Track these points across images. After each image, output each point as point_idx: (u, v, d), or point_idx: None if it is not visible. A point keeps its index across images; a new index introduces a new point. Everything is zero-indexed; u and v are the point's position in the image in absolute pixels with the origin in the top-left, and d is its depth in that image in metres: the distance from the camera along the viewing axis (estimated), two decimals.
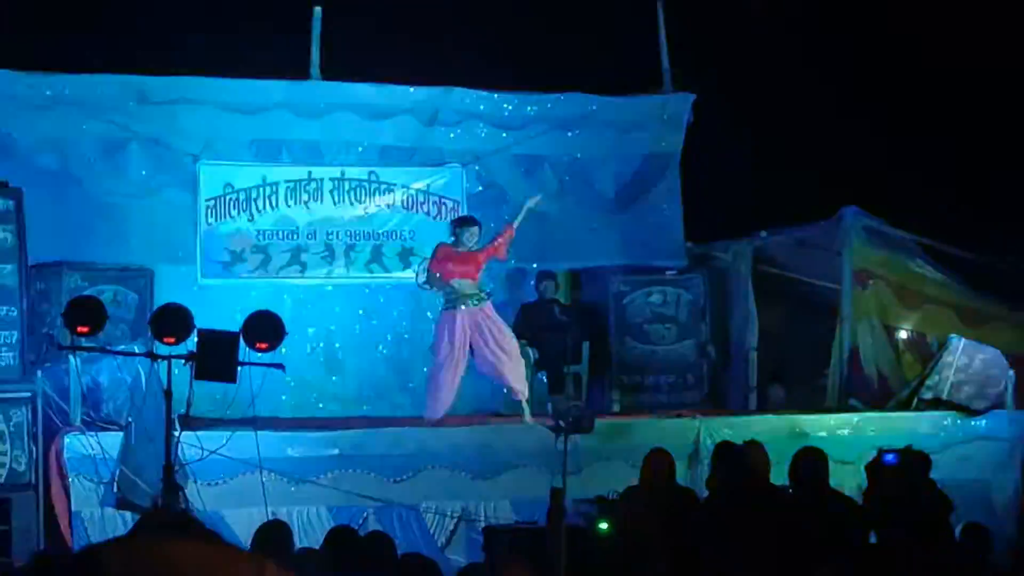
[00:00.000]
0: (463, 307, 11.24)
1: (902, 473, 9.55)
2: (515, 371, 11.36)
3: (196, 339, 10.25)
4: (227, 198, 12.36)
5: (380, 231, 12.76)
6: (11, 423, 10.40)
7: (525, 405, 11.39)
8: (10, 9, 12.85)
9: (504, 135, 13.08)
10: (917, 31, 14.03)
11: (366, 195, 12.66)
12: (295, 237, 12.55)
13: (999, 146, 14.17)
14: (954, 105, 14.08)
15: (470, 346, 11.32)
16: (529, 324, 12.45)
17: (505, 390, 11.80)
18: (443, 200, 12.78)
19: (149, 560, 1.77)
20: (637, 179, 13.47)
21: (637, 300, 13.20)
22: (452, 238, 11.44)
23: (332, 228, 12.60)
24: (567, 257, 13.47)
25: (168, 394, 9.75)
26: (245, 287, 12.47)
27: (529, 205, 11.66)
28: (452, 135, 12.98)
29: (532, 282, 12.95)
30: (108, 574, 1.74)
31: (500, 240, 11.47)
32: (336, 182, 12.61)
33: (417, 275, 12.07)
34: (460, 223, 11.50)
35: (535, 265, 13.05)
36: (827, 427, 11.60)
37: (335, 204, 12.57)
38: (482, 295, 11.23)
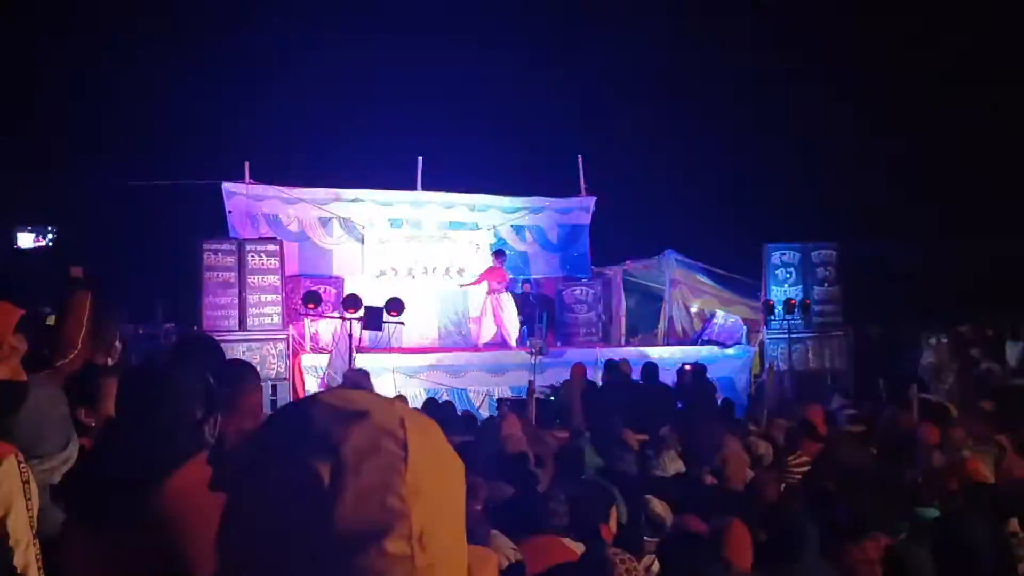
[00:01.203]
0: (491, 296, 14.61)
1: (694, 374, 13.12)
2: (511, 328, 14.59)
3: (363, 311, 13.81)
4: (378, 246, 16.48)
5: (450, 265, 16.99)
6: (278, 348, 14.47)
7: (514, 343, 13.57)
8: (278, 149, 16.54)
9: (508, 216, 17.44)
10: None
11: (444, 245, 17.02)
12: (409, 264, 16.71)
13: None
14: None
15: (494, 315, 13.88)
16: (518, 306, 15.67)
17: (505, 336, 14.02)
18: (479, 247, 17.39)
19: (337, 396, 1.79)
20: (568, 236, 17.73)
21: (568, 293, 17.24)
22: (495, 261, 14.41)
23: (428, 263, 16.81)
24: (536, 271, 17.56)
25: (350, 336, 13.45)
26: (385, 287, 15.54)
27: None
28: (486, 217, 17.29)
29: (519, 283, 16.70)
30: (317, 401, 1.72)
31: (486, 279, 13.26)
32: (430, 239, 17.17)
33: (464, 282, 14.54)
34: (497, 253, 14.75)
35: (520, 277, 16.76)
36: (659, 353, 15.69)
37: (429, 249, 17.04)
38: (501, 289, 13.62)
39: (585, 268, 18.11)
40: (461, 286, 16.41)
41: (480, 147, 19.47)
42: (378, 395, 1.67)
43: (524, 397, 13.14)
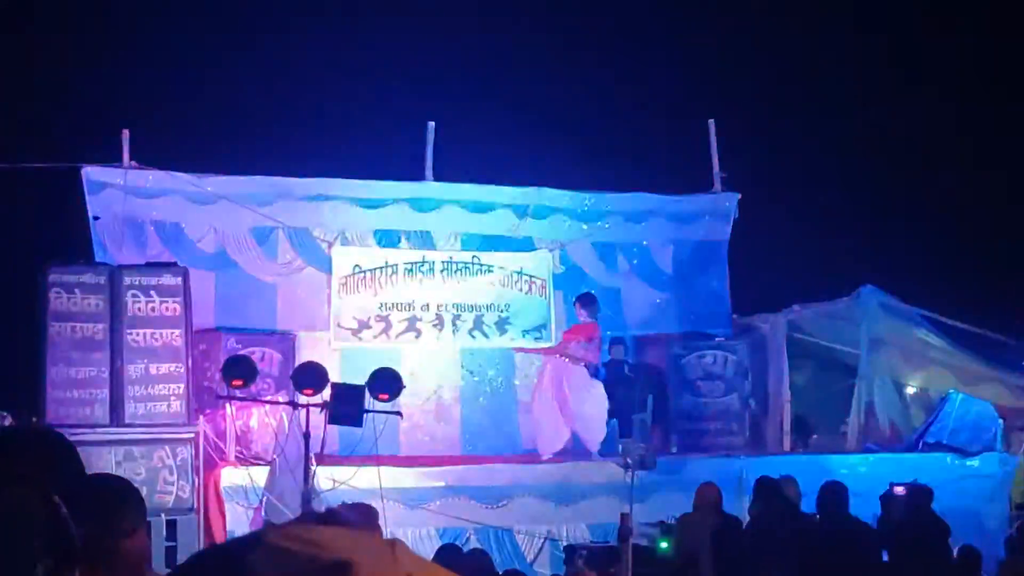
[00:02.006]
0: (561, 367, 13.16)
1: (909, 503, 11.21)
2: (593, 424, 13.03)
3: (330, 391, 11.58)
4: (356, 277, 14.17)
5: (481, 304, 14.42)
6: (177, 459, 12.21)
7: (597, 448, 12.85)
8: (181, 121, 15.12)
9: (584, 226, 14.89)
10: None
11: (470, 275, 14.47)
12: (411, 309, 14.25)
13: (994, 227, 16.15)
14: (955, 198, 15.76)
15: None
16: (604, 381, 13.86)
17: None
18: (533, 279, 14.66)
19: (296, 537, 2.06)
20: (692, 262, 15.17)
21: (692, 361, 14.79)
22: (580, 313, 13.65)
23: (442, 301, 14.27)
24: (634, 326, 15.11)
25: (307, 436, 11.23)
26: (370, 349, 13.83)
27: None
28: (541, 226, 14.79)
29: (607, 346, 14.26)
30: (263, 543, 1.94)
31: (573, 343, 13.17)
32: (446, 264, 14.42)
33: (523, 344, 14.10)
34: (582, 300, 13.82)
35: (608, 333, 14.43)
36: (848, 465, 13.11)
37: (444, 282, 14.36)
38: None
39: (722, 318, 15.58)
40: (517, 350, 14.49)
41: (532, 107, 17.15)
42: (365, 535, 1.65)
43: (612, 543, 10.60)
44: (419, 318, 14.43)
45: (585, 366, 13.34)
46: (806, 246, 16.56)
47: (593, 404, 13.45)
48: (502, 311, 14.74)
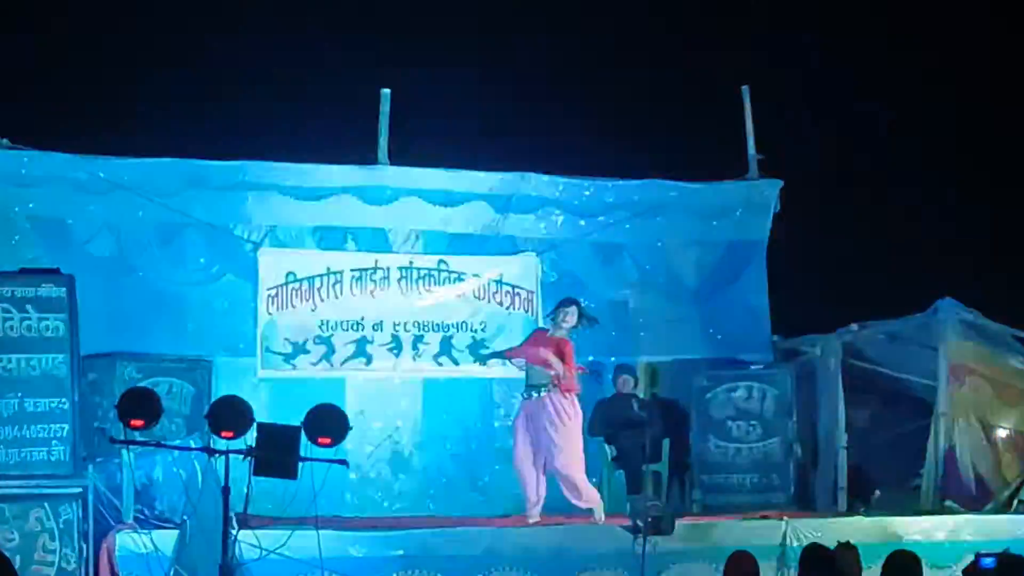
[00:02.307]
0: (533, 396, 12.65)
1: None
2: (569, 473, 12.42)
3: (255, 433, 11.09)
4: (289, 287, 13.97)
5: (450, 322, 14.25)
6: (60, 520, 11.74)
7: (597, 508, 12.53)
8: (64, 91, 14.73)
9: (581, 222, 14.74)
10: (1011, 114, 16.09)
11: (435, 284, 14.31)
12: (360, 328, 14.08)
13: None
14: None
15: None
16: (606, 421, 13.80)
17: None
18: (516, 290, 14.47)
19: None
20: (721, 268, 15.08)
21: (720, 395, 14.65)
22: (558, 323, 12.73)
23: (399, 319, 14.13)
24: (646, 350, 15.06)
25: (226, 491, 10.76)
26: (307, 380, 13.79)
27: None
28: (526, 222, 14.63)
29: (609, 376, 14.16)
30: None
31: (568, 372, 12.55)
32: (404, 271, 14.23)
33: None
34: (558, 304, 12.91)
35: (612, 359, 14.42)
36: (922, 530, 12.76)
37: (403, 294, 14.19)
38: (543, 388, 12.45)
39: (759, 340, 15.27)
40: (484, 361, 14.20)
41: (515, 72, 15.99)
42: None
43: None
44: (370, 340, 14.23)
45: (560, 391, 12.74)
46: (867, 248, 16.26)
47: (568, 442, 12.87)
48: (477, 331, 14.56)
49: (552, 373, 12.61)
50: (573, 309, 12.87)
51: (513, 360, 13.37)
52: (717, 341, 15.28)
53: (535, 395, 12.74)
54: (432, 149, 14.63)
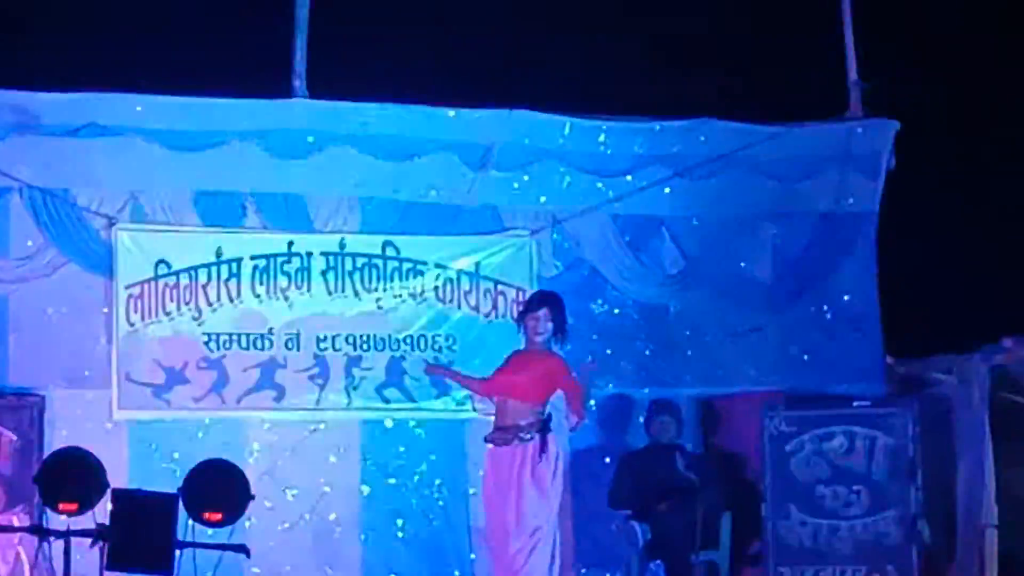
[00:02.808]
0: (513, 442, 11.78)
1: None
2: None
3: (110, 505, 10.78)
4: (160, 283, 12.78)
5: (400, 337, 13.18)
6: None
7: None
8: None
9: (599, 184, 13.61)
10: None
11: (379, 280, 13.14)
12: (267, 346, 12.93)
13: None
14: None
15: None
16: (636, 486, 12.85)
17: None
18: (500, 288, 13.34)
19: None
20: (809, 255, 14.01)
21: (807, 447, 13.25)
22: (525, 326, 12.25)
23: (325, 331, 13.03)
24: (695, 378, 13.87)
25: None
26: (187, 423, 12.78)
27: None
28: (516, 184, 13.51)
29: (641, 418, 13.19)
30: None
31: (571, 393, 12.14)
32: (332, 259, 13.10)
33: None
34: (524, 305, 12.32)
35: (646, 391, 13.43)
36: None
37: (330, 294, 13.06)
38: (539, 427, 11.69)
39: (866, 364, 13.70)
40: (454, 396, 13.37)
41: None
42: None
43: None
44: (282, 364, 12.94)
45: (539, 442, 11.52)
46: (1019, 228, 14.55)
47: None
48: (441, 349, 13.19)
49: (541, 412, 11.42)
50: (543, 313, 11.63)
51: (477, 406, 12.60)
52: (802, 365, 13.93)
53: (517, 441, 11.43)
54: (374, 73, 13.57)
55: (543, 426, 11.70)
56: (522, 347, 12.07)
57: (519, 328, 12.15)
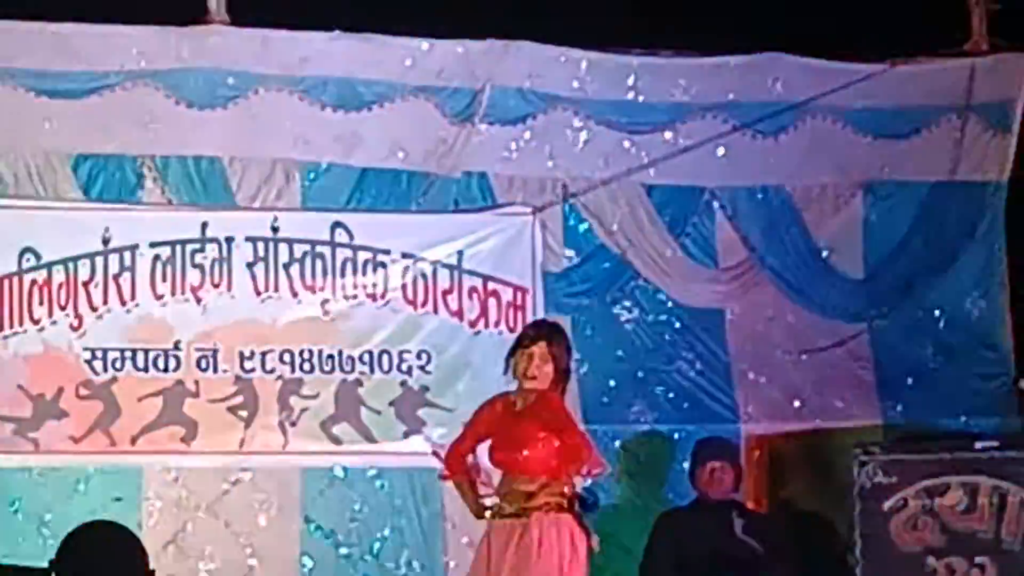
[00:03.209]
0: (512, 518, 10.86)
1: None
2: None
3: None
4: (26, 280, 11.65)
5: (354, 354, 12.19)
6: None
7: None
8: None
9: (627, 143, 12.69)
10: None
11: (326, 274, 12.12)
12: (173, 366, 11.71)
13: None
14: None
15: None
16: (682, 555, 11.87)
17: None
18: (492, 286, 12.41)
19: None
20: (915, 241, 13.14)
21: (912, 504, 12.00)
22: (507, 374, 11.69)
23: (253, 346, 12.03)
24: (760, 411, 12.90)
25: None
26: (63, 470, 11.45)
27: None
28: (513, 144, 12.51)
29: (685, 465, 12.34)
30: None
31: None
32: (262, 246, 12.14)
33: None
34: (517, 339, 11.03)
35: (691, 427, 12.64)
36: None
37: (259, 295, 12.04)
38: (558, 501, 10.62)
39: (992, 390, 12.55)
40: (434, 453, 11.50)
41: None
42: None
43: None
44: (192, 390, 11.45)
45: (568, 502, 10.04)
46: None
47: None
48: (410, 369, 11.69)
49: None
50: (539, 349, 9.94)
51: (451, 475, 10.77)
52: (906, 391, 12.53)
53: (518, 516, 10.02)
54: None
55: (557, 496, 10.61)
56: (513, 392, 10.31)
57: (506, 368, 10.31)
